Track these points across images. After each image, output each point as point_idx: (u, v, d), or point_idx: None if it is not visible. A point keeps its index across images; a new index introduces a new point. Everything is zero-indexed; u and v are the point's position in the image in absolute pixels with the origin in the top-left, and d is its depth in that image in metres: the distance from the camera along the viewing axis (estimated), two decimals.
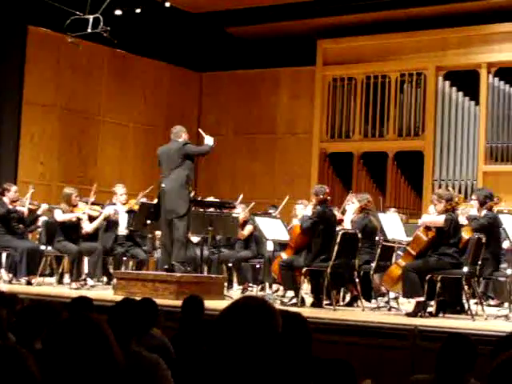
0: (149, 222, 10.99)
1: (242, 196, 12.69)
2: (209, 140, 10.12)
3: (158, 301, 6.00)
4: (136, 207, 11.58)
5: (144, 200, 11.85)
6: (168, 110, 17.23)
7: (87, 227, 11.40)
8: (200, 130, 10.81)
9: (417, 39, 15.53)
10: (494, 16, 14.72)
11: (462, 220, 9.80)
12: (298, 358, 2.78)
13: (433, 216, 9.37)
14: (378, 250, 9.86)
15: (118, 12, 13.44)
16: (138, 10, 13.99)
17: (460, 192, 14.78)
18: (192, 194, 10.47)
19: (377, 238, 10.35)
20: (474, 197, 9.81)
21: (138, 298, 5.53)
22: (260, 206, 13.67)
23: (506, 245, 10.34)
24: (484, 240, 8.92)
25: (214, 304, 7.59)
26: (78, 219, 11.28)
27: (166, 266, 10.01)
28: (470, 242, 8.95)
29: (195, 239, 12.14)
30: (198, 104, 18.01)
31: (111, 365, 2.11)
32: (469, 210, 10.13)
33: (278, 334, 2.23)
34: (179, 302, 6.25)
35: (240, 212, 12.08)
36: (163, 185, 9.97)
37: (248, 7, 15.81)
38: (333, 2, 15.27)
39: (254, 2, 15.60)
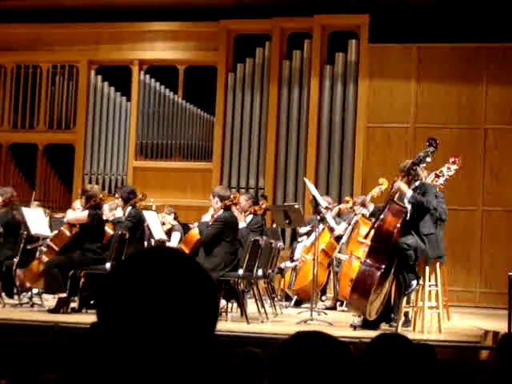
0: None
1: None
2: None
3: None
4: None
5: None
6: None
7: None
8: None
9: (70, 31, 15.32)
10: (147, 14, 14.98)
11: (115, 213, 9.88)
12: None
13: (77, 212, 9.29)
14: (22, 245, 9.60)
15: None
16: None
17: (110, 187, 14.90)
18: None
19: (21, 233, 10.06)
20: (117, 195, 9.88)
21: None
22: None
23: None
24: (127, 236, 9.02)
25: None
26: None
27: None
28: (114, 238, 9.01)
29: None
30: None
31: None
32: (116, 205, 10.20)
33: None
34: None
35: None
36: None
37: None
38: None
39: None
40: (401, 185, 8.13)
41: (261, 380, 3.02)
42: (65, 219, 9.37)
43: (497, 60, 13.55)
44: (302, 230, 11.94)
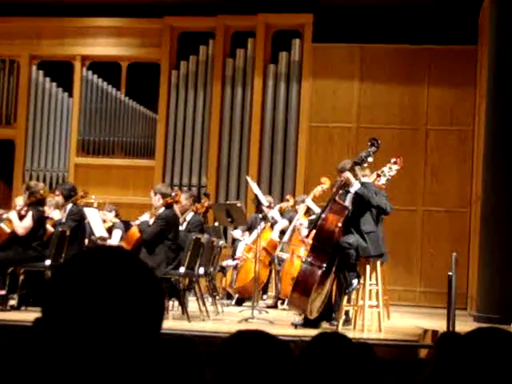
0: None
1: None
2: None
3: None
4: None
5: None
6: None
7: None
8: None
9: (11, 25, 15.08)
10: (90, 9, 14.82)
11: (51, 212, 9.73)
12: None
13: (23, 223, 9.02)
14: None
15: None
16: None
17: (51, 183, 14.71)
18: None
19: None
20: (57, 192, 9.74)
21: None
22: None
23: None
24: (68, 233, 8.91)
25: None
26: None
27: None
28: (54, 236, 8.90)
29: None
30: None
31: None
32: (55, 202, 10.05)
33: None
34: None
35: None
36: None
37: None
38: None
39: None
40: (349, 176, 8.15)
41: (200, 367, 2.99)
42: (11, 216, 9.13)
43: (439, 62, 13.72)
44: (236, 234, 12.07)
